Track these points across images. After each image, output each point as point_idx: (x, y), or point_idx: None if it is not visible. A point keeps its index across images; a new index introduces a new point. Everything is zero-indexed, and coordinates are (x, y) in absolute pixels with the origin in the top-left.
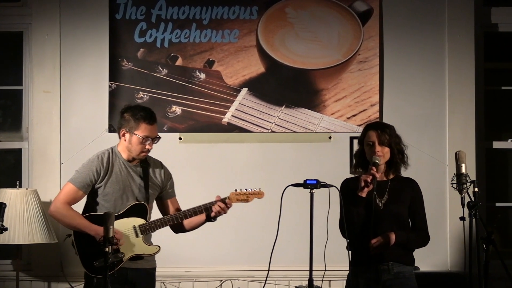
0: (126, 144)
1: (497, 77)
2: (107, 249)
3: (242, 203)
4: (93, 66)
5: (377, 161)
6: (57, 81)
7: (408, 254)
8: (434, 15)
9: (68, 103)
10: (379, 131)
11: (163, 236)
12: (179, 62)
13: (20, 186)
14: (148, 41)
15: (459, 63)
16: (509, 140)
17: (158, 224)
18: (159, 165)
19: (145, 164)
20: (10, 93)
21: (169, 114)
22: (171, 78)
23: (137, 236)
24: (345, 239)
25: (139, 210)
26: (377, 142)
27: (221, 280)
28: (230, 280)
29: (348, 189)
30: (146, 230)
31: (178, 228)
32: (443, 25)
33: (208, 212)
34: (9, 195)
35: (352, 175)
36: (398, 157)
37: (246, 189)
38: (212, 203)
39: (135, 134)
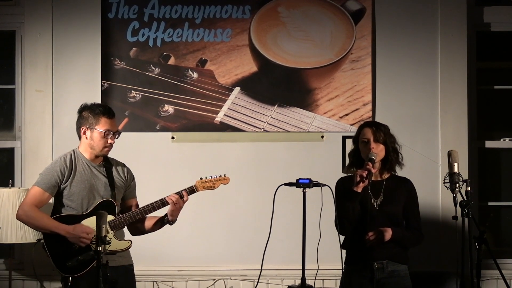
0: (88, 142)
1: (489, 76)
2: (99, 248)
3: (209, 190)
4: (86, 65)
5: (373, 157)
6: (50, 80)
7: (403, 252)
8: (427, 14)
9: (60, 102)
10: (374, 128)
11: (155, 235)
12: (171, 61)
13: (13, 185)
14: (140, 40)
15: (451, 63)
16: (502, 139)
17: (127, 219)
18: (122, 165)
19: (107, 163)
20: (2, 92)
21: (162, 113)
22: (164, 77)
23: (107, 232)
24: (338, 238)
25: (107, 207)
26: (372, 139)
27: (214, 279)
28: (223, 279)
29: (343, 188)
30: (116, 226)
31: (136, 229)
32: (436, 25)
33: (165, 205)
34: (2, 194)
35: (345, 175)
36: (392, 155)
37: (211, 176)
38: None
39: (96, 129)
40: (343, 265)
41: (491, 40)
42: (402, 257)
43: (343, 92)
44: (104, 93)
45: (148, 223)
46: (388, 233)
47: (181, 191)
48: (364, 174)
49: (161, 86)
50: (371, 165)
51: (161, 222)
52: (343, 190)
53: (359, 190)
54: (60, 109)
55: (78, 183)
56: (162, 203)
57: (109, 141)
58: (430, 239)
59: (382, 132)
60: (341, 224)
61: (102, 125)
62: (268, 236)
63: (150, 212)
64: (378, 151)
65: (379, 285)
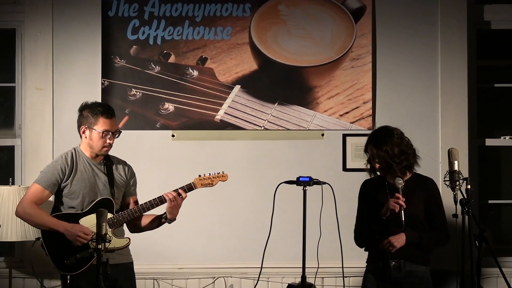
0: (87, 141)
1: (489, 74)
2: (99, 246)
3: (207, 187)
4: (86, 63)
5: (399, 186)
6: (50, 78)
7: (421, 253)
8: (427, 12)
9: (60, 100)
10: (375, 148)
11: (155, 233)
12: (171, 59)
13: (13, 183)
14: (140, 38)
15: (451, 61)
16: (502, 137)
17: (125, 217)
18: (123, 163)
19: (108, 161)
20: (3, 90)
21: (162, 111)
22: (164, 75)
23: (106, 230)
24: (339, 237)
25: (105, 205)
26: (376, 159)
27: (214, 277)
28: (223, 277)
29: (368, 191)
30: (114, 224)
31: (135, 227)
32: (436, 23)
33: (164, 203)
34: (2, 192)
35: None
36: (401, 166)
37: (210, 173)
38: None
39: (95, 129)
40: (366, 263)
41: (491, 38)
42: (420, 258)
43: (343, 90)
44: (104, 91)
45: (146, 221)
46: (401, 239)
47: (179, 188)
48: (397, 210)
49: (161, 84)
50: (401, 197)
51: (158, 220)
52: (366, 194)
53: (385, 217)
54: (60, 107)
55: (79, 182)
56: (160, 200)
57: (108, 141)
58: None
59: (382, 152)
60: (361, 239)
61: (100, 126)
62: (268, 234)
63: (149, 209)
64: (384, 166)
65: (397, 284)
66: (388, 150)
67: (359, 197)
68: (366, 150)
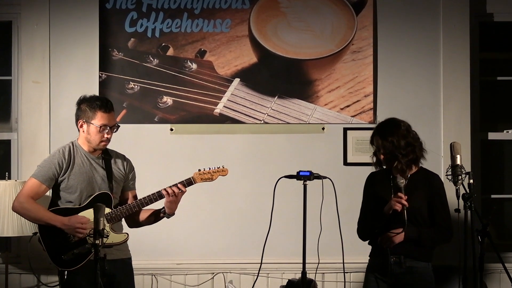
0: (85, 135)
1: (492, 67)
2: (97, 242)
3: (207, 182)
4: (83, 56)
5: (400, 185)
6: (47, 71)
7: (422, 249)
8: (429, 4)
9: (57, 94)
10: (380, 139)
11: (154, 228)
12: (170, 52)
13: (9, 178)
14: (139, 31)
15: (454, 53)
16: (505, 131)
17: (124, 212)
18: (122, 157)
19: (107, 155)
20: None
21: (160, 104)
22: (162, 68)
23: (104, 225)
24: (339, 232)
25: (104, 200)
26: (382, 150)
27: (213, 273)
28: (222, 273)
29: (372, 184)
30: (112, 219)
31: (133, 222)
32: (438, 15)
33: (163, 198)
34: None
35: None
36: (407, 158)
37: (209, 168)
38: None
39: (92, 123)
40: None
41: (494, 30)
42: (420, 254)
43: (344, 84)
44: (102, 84)
45: (144, 216)
46: (400, 235)
47: (178, 183)
48: (399, 210)
49: (160, 77)
50: (403, 195)
51: (155, 215)
52: (371, 188)
53: (388, 214)
54: (57, 101)
55: (76, 176)
56: (159, 195)
57: (106, 135)
58: None
59: (388, 143)
60: (364, 233)
61: (98, 120)
62: (268, 229)
63: (147, 204)
64: (389, 157)
65: (397, 280)
66: (394, 141)
67: (364, 190)
68: (372, 142)
